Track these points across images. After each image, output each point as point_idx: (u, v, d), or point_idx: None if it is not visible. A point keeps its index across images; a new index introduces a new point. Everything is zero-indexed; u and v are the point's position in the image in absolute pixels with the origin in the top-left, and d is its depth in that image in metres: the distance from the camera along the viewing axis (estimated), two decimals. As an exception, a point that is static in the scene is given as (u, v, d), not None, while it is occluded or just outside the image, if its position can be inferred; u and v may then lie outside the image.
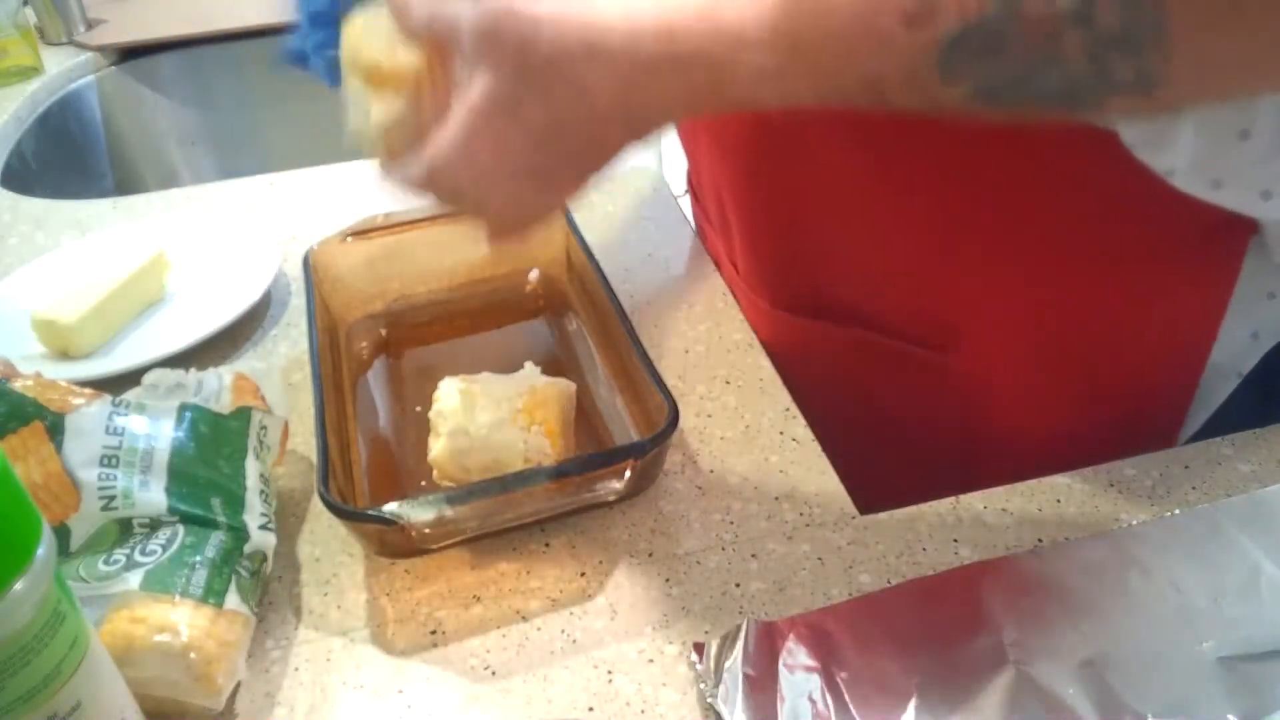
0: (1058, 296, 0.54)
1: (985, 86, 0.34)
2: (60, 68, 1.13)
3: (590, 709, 0.42)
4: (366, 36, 0.45)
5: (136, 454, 0.46)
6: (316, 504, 0.53)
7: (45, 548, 0.32)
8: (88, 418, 0.46)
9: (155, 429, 0.47)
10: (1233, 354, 0.56)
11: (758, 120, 0.56)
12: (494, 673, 0.44)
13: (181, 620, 0.41)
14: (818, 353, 0.62)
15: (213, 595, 0.43)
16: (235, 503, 0.47)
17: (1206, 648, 0.42)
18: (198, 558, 0.43)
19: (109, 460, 0.45)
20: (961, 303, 0.56)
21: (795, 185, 0.57)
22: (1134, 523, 0.48)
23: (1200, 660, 0.41)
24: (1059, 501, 0.50)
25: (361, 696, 0.43)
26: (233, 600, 0.43)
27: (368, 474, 0.54)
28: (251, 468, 0.48)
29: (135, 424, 0.46)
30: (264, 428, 0.50)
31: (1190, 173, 0.46)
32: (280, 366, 0.64)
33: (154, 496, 0.45)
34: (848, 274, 0.59)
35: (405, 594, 0.47)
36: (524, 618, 0.46)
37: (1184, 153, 0.45)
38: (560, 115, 0.40)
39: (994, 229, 0.52)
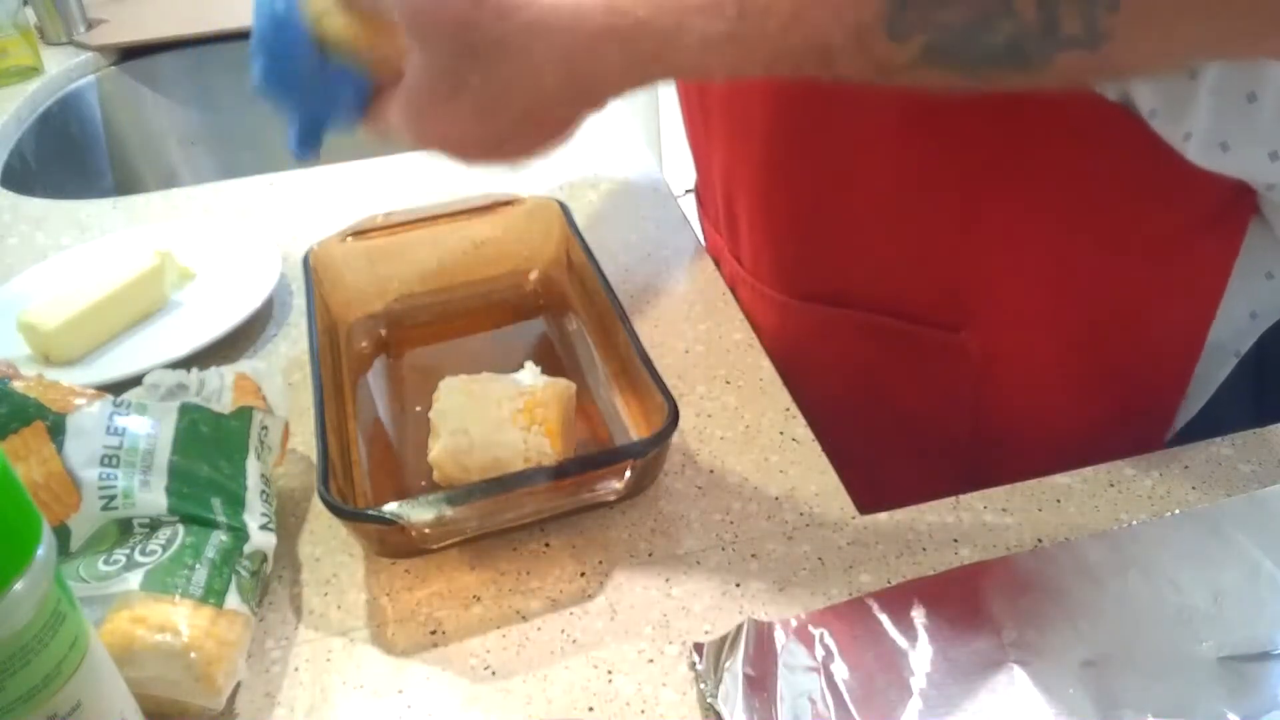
0: (1067, 273, 0.55)
1: (935, 41, 0.34)
2: (60, 68, 1.13)
3: (590, 709, 0.42)
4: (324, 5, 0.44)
5: (137, 454, 0.46)
6: (316, 504, 0.53)
7: (45, 548, 0.32)
8: (89, 418, 0.46)
9: (156, 429, 0.47)
10: (1232, 333, 0.57)
11: (780, 106, 0.56)
12: (494, 673, 0.44)
13: (182, 620, 0.41)
14: (830, 340, 0.63)
15: (213, 595, 0.43)
16: (236, 503, 0.47)
17: (1206, 648, 0.42)
18: (198, 558, 0.43)
19: (109, 460, 0.45)
20: (975, 280, 0.56)
21: (816, 169, 0.58)
22: (1134, 523, 0.48)
23: (1200, 660, 0.41)
24: (1059, 501, 0.50)
25: (361, 696, 0.43)
26: (233, 600, 0.43)
27: (368, 474, 0.54)
28: (253, 468, 0.48)
29: (136, 424, 0.47)
30: (265, 428, 0.50)
31: (1203, 138, 0.47)
32: (280, 366, 0.64)
33: (154, 496, 0.45)
34: (865, 256, 0.59)
35: (405, 594, 0.47)
36: (524, 618, 0.46)
37: (1199, 118, 0.46)
38: (506, 90, 0.40)
39: (1010, 207, 0.53)
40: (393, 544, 0.48)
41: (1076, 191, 0.52)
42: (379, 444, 0.57)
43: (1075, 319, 0.56)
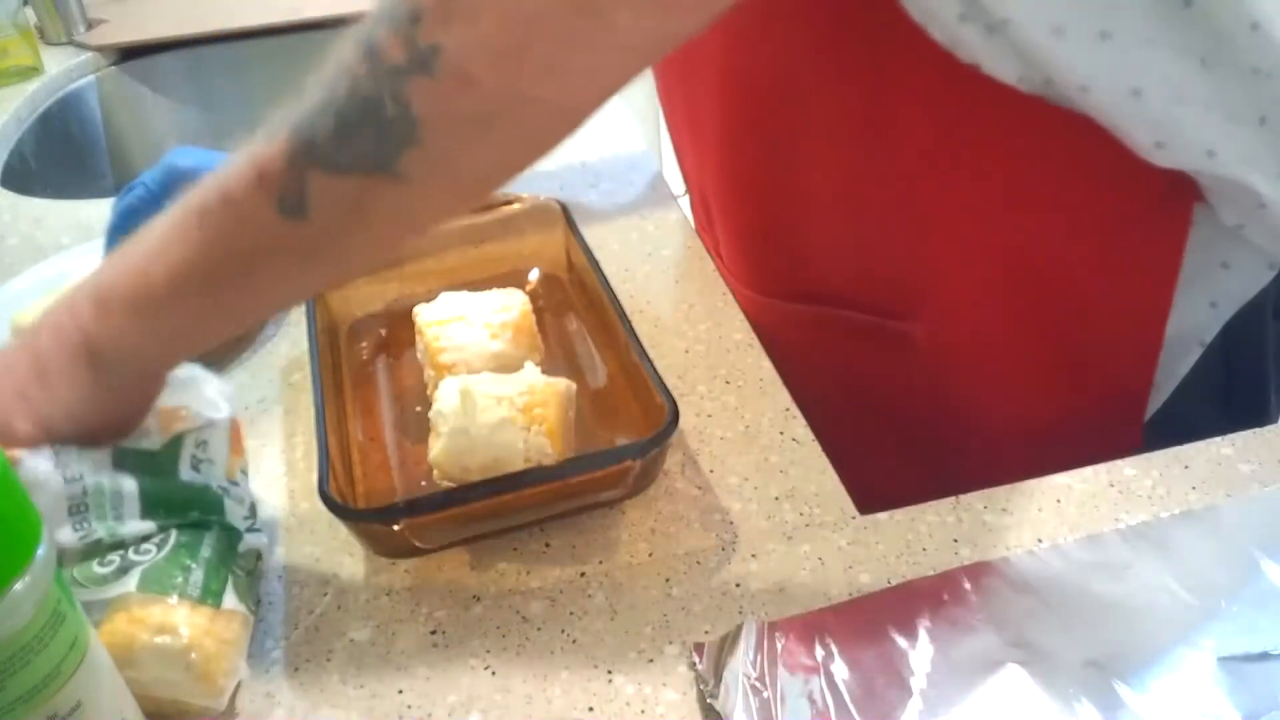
0: (1013, 257, 0.55)
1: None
2: (60, 68, 1.13)
3: (590, 709, 0.42)
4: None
5: (104, 494, 0.43)
6: (316, 504, 0.53)
7: (45, 548, 0.32)
8: (37, 472, 0.41)
9: (107, 469, 0.44)
10: (1193, 323, 0.57)
11: (730, 107, 0.57)
12: (494, 673, 0.44)
13: (180, 620, 0.41)
14: (796, 335, 0.64)
15: (210, 595, 0.42)
16: (218, 510, 0.45)
17: (1206, 648, 0.42)
18: (194, 558, 0.43)
19: (77, 509, 0.42)
20: (921, 268, 0.57)
21: (767, 166, 0.59)
22: (1134, 523, 0.48)
23: (1200, 660, 0.41)
24: (1059, 501, 0.50)
25: (361, 696, 0.43)
26: (230, 600, 0.43)
27: (367, 474, 0.54)
28: (212, 480, 0.46)
29: (85, 466, 0.43)
30: (201, 443, 0.47)
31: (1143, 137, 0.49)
32: (280, 366, 0.64)
33: (137, 525, 0.43)
34: (819, 250, 0.61)
35: (405, 594, 0.47)
36: (524, 618, 0.46)
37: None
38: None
39: (951, 193, 0.54)
40: (393, 544, 0.48)
41: (1018, 176, 0.52)
42: (379, 444, 0.57)
43: (1023, 303, 0.57)
